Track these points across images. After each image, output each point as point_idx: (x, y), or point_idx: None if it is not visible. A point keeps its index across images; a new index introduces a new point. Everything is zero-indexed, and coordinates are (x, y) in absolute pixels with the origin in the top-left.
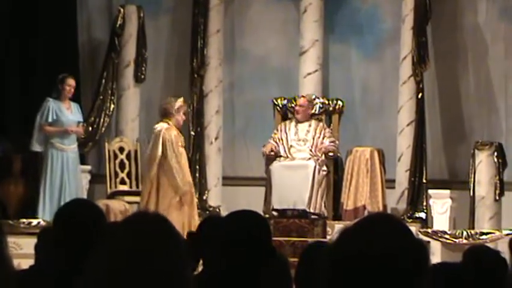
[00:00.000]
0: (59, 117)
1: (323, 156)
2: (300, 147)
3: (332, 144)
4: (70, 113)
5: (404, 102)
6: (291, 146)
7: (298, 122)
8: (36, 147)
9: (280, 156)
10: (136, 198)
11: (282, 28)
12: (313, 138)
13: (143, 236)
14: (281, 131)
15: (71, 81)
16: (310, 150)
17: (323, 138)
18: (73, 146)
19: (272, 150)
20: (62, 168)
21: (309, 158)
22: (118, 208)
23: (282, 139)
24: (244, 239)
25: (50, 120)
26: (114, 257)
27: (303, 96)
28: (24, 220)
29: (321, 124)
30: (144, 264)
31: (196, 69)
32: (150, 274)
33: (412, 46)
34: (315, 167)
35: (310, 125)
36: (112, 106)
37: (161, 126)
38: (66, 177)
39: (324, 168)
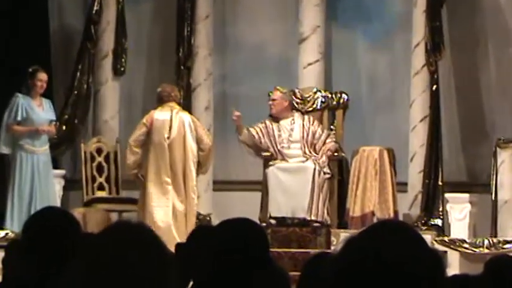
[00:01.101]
0: (29, 116)
1: (323, 157)
2: (288, 151)
3: (333, 143)
4: (41, 111)
5: (417, 95)
6: (280, 151)
7: (277, 119)
8: (3, 150)
9: (275, 158)
10: (117, 206)
11: (279, 13)
12: (303, 138)
13: (125, 246)
14: (264, 128)
15: (43, 76)
16: (304, 153)
17: (316, 134)
18: (44, 147)
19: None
20: (32, 172)
21: (306, 160)
22: (96, 217)
23: (270, 139)
24: (239, 248)
25: (19, 118)
26: (93, 267)
27: (275, 89)
28: None
29: (306, 117)
30: (126, 275)
31: (182, 60)
32: (131, 285)
33: (425, 32)
34: (315, 168)
35: (293, 122)
36: (88, 102)
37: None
38: (37, 183)
39: (327, 170)
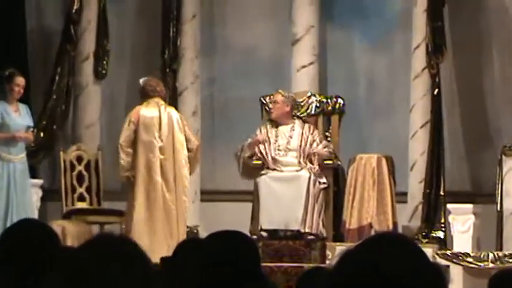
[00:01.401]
0: (5, 122)
1: (317, 166)
2: (283, 159)
3: (326, 150)
4: (18, 116)
5: (418, 99)
6: (274, 158)
7: (277, 125)
8: None
9: (267, 167)
10: (98, 218)
11: (270, 13)
12: (300, 147)
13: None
14: (261, 133)
15: (20, 80)
16: (299, 162)
17: (311, 143)
18: (21, 155)
19: (259, 143)
20: (8, 182)
21: (300, 169)
22: (76, 230)
23: (265, 147)
24: (229, 261)
25: None
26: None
27: (277, 92)
28: None
29: (307, 125)
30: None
31: (168, 63)
32: None
33: (426, 32)
34: (309, 177)
35: (292, 128)
36: (68, 107)
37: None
38: (13, 193)
39: (323, 180)
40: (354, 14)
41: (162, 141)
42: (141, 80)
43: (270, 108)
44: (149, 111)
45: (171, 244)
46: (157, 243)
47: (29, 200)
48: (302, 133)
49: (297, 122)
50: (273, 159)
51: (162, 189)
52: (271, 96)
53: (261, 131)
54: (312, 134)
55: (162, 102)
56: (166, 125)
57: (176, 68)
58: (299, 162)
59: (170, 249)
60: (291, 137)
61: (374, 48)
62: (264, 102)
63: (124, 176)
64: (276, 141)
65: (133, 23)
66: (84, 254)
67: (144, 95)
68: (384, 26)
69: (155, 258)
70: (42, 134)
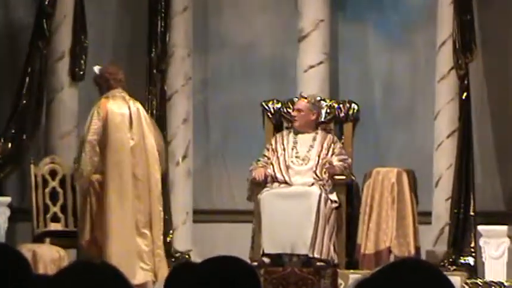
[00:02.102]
0: None
1: (327, 177)
2: (300, 168)
3: (341, 163)
4: None
5: (443, 104)
6: (288, 166)
7: (297, 132)
8: None
9: (275, 181)
10: (74, 242)
11: (273, 4)
12: (319, 157)
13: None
14: (276, 143)
15: None
16: (315, 173)
17: (331, 155)
18: None
19: (266, 177)
20: None
21: (312, 184)
22: (49, 255)
23: (277, 156)
24: None
25: None
26: None
27: (302, 98)
28: None
29: (329, 136)
30: None
31: (155, 62)
32: None
33: (453, 27)
34: (320, 195)
35: (314, 138)
36: (39, 114)
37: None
38: None
39: (334, 197)
40: (369, 6)
41: (133, 140)
42: (97, 68)
43: (292, 116)
44: (117, 106)
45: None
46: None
47: None
48: (323, 143)
49: (320, 132)
50: (288, 167)
51: (134, 197)
52: (292, 102)
53: (275, 142)
54: (334, 143)
55: (127, 95)
56: (137, 123)
57: (165, 69)
58: (315, 173)
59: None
60: (312, 146)
61: (392, 46)
62: (266, 108)
63: (88, 180)
64: (295, 147)
65: (115, 16)
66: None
67: (104, 86)
68: (404, 20)
69: None
70: (10, 145)
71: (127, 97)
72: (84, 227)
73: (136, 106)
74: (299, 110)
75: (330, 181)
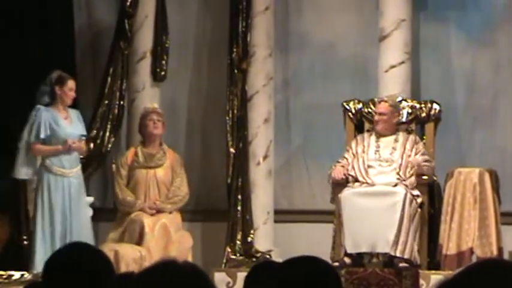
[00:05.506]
0: (55, 132)
1: (413, 177)
2: (383, 169)
3: (426, 163)
4: (69, 124)
5: None
6: (368, 166)
7: (379, 135)
8: (22, 174)
9: (356, 181)
10: None
11: (354, 3)
12: (402, 158)
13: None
14: (357, 145)
15: (72, 84)
16: (398, 174)
17: (415, 154)
18: (76, 168)
19: (346, 176)
20: (63, 200)
21: (396, 184)
22: (131, 255)
23: (357, 158)
24: None
25: (42, 136)
26: None
27: (383, 101)
28: (3, 272)
29: (412, 137)
30: None
31: (236, 63)
32: None
33: None
34: (405, 194)
35: (396, 140)
36: (121, 114)
37: None
38: (68, 213)
39: (417, 192)
40: (451, 5)
41: None
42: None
43: (375, 120)
44: None
45: None
46: None
47: (85, 220)
48: (405, 145)
49: (401, 134)
50: (369, 167)
51: None
52: (373, 103)
53: (355, 145)
54: (416, 143)
55: None
56: None
57: (246, 68)
58: (398, 174)
59: None
60: (394, 148)
61: (475, 45)
62: (347, 108)
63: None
64: (377, 151)
65: (196, 16)
66: (145, 284)
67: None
68: (486, 18)
69: None
70: (92, 145)
71: None
72: None
73: None
74: (382, 114)
75: (413, 179)
